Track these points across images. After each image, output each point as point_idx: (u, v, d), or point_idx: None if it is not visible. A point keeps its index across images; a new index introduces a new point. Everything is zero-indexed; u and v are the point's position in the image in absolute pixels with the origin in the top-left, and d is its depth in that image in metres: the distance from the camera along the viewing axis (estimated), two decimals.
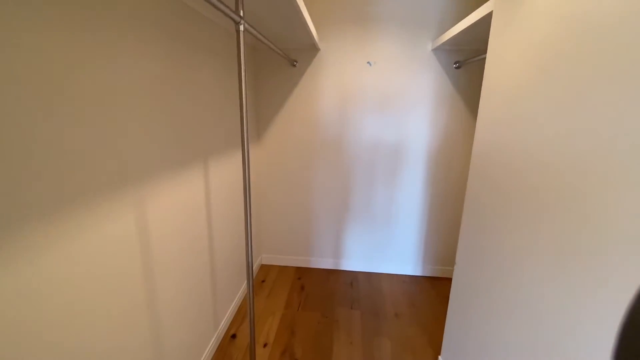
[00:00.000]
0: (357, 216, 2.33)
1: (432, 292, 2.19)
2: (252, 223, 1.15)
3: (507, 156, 1.00)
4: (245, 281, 2.10)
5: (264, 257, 2.50)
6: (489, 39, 1.16)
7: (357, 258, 2.43)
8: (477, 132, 1.25)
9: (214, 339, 1.59)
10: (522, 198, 0.90)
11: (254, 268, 2.21)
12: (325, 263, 2.46)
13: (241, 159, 1.07)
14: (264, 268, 2.44)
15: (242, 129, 1.09)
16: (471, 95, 2.04)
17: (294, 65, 2.09)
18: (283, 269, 2.44)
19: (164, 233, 1.11)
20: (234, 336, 1.72)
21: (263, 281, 2.26)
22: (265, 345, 1.67)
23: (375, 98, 2.09)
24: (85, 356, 0.78)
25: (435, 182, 2.21)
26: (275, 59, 2.10)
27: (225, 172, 1.64)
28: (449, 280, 2.31)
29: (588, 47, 0.69)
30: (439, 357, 1.53)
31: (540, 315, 0.80)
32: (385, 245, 2.37)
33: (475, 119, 2.05)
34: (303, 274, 2.37)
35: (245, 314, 1.89)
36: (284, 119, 2.19)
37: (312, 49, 2.05)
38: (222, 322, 1.71)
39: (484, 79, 1.20)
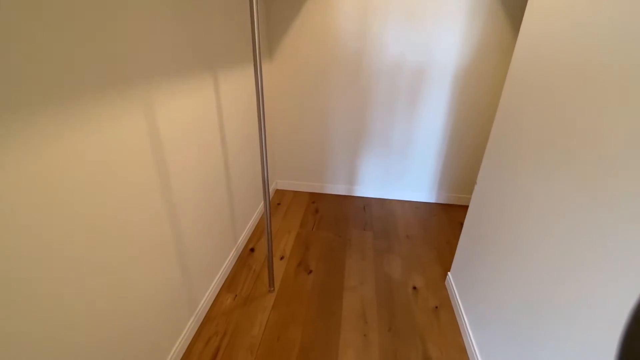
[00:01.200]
0: (373, 141, 2.25)
1: (445, 217, 2.22)
2: (267, 145, 1.11)
3: (552, 75, 0.87)
4: (262, 202, 2.16)
5: (278, 183, 2.54)
6: None
7: (371, 184, 2.42)
8: (517, 46, 1.09)
9: (233, 251, 1.69)
10: (561, 123, 0.80)
11: (269, 191, 2.26)
12: (339, 189, 2.47)
13: (253, 79, 0.97)
14: (279, 193, 2.49)
15: (254, 42, 0.97)
16: (515, 2, 1.76)
17: None
18: (297, 194, 2.48)
19: (176, 144, 1.08)
20: (252, 250, 1.82)
21: (278, 204, 2.32)
22: (282, 258, 1.77)
23: (401, 7, 1.83)
24: (108, 268, 0.82)
25: (460, 105, 2.05)
26: None
27: (236, 91, 1.55)
28: (463, 208, 2.32)
29: None
30: (448, 273, 1.60)
31: (560, 240, 0.77)
32: (401, 172, 2.34)
33: (517, 31, 1.81)
34: (317, 198, 2.42)
35: (262, 232, 1.98)
36: (297, 33, 1.98)
37: None
38: (241, 238, 1.80)
39: None
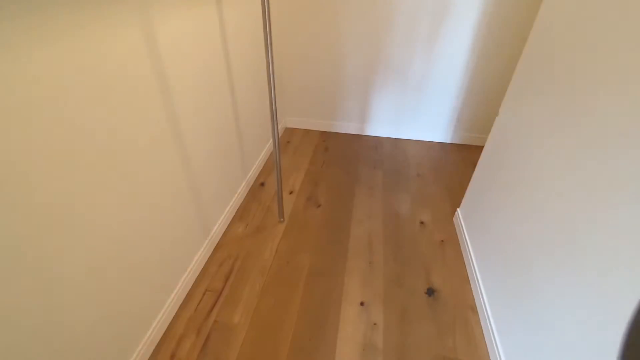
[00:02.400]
0: (389, 76, 2.10)
1: (459, 158, 2.15)
2: (275, 77, 1.02)
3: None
4: (271, 139, 2.12)
5: (288, 121, 2.47)
6: None
7: (384, 123, 2.33)
8: None
9: (243, 184, 1.71)
10: (600, 45, 0.69)
11: (278, 129, 2.20)
12: (351, 128, 2.40)
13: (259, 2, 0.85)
14: (288, 131, 2.44)
15: None
16: None
17: None
18: (307, 132, 2.43)
19: (178, 66, 1.01)
20: (262, 184, 1.84)
21: (288, 142, 2.29)
22: (291, 192, 1.79)
23: None
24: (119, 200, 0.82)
25: (485, 37, 1.85)
26: None
27: (241, 16, 1.41)
28: (478, 148, 2.24)
29: None
30: (457, 209, 1.59)
31: (577, 173, 0.71)
32: (416, 110, 2.23)
33: None
34: (327, 137, 2.36)
35: (272, 168, 1.98)
36: None
37: None
38: (251, 172, 1.81)
39: None
